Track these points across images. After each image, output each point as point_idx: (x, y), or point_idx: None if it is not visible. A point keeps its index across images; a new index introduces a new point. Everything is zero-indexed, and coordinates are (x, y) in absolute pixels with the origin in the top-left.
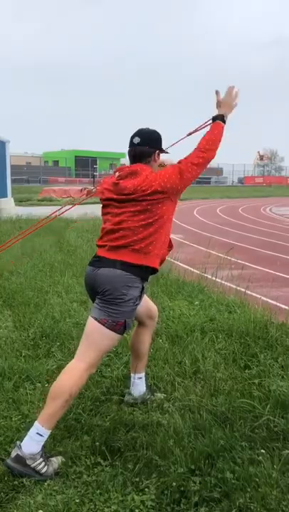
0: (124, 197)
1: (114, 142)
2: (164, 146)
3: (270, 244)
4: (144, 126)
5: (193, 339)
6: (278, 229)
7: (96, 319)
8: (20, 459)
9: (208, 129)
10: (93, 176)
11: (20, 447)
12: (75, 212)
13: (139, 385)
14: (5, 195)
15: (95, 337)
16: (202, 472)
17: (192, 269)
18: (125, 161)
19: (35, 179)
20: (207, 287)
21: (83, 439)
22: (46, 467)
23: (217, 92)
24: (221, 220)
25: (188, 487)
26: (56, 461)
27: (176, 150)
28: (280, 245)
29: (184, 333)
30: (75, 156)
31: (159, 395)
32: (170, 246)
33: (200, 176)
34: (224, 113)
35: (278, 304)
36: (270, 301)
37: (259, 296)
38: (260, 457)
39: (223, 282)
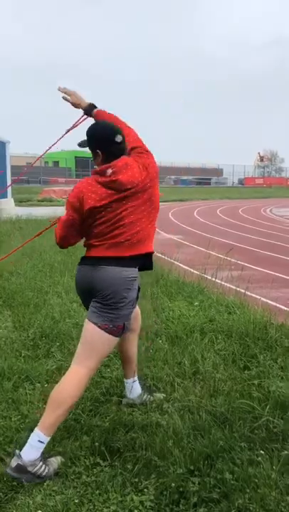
0: (125, 193)
1: None
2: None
3: (269, 245)
4: (106, 123)
5: (193, 340)
6: (278, 230)
7: (96, 324)
8: (21, 468)
9: (87, 122)
10: None
11: (20, 456)
12: None
13: (136, 388)
14: (5, 196)
15: (97, 343)
16: (201, 473)
17: (192, 270)
18: None
19: (35, 179)
20: (207, 288)
21: (83, 439)
22: (46, 469)
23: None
24: (221, 220)
25: (187, 488)
26: (55, 461)
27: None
28: (280, 246)
29: (183, 334)
30: (75, 157)
31: (159, 395)
32: None
33: (200, 177)
34: (89, 102)
35: (278, 305)
36: (269, 302)
37: (259, 297)
38: (260, 458)
39: (222, 283)
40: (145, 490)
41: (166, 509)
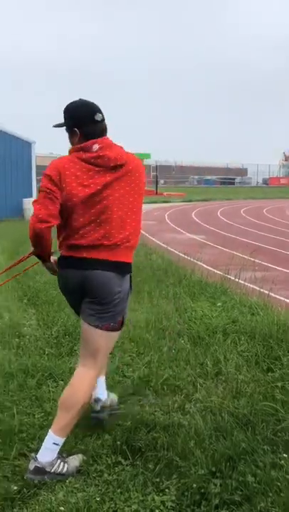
0: (114, 173)
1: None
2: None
3: None
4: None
5: (216, 341)
6: None
7: (98, 327)
8: (39, 470)
9: None
10: None
11: (36, 459)
12: None
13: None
14: (30, 196)
15: (102, 344)
16: (223, 475)
17: (215, 271)
18: (151, 161)
19: None
20: (230, 289)
21: (104, 437)
22: (66, 466)
23: None
24: (245, 221)
25: (208, 489)
26: (77, 458)
27: None
28: None
29: (205, 335)
30: None
31: (112, 395)
32: None
33: (224, 177)
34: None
35: None
36: None
37: (283, 299)
38: (283, 461)
39: (246, 284)
40: (166, 490)
41: (188, 510)
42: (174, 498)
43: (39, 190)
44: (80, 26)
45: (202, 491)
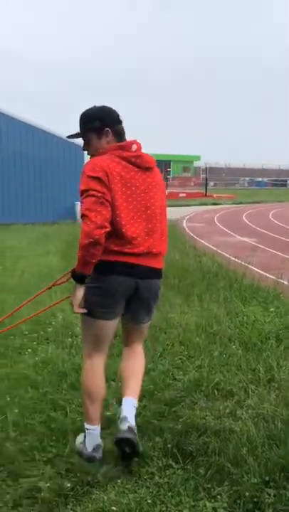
0: (149, 175)
1: (188, 144)
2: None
3: None
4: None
5: (268, 346)
6: None
7: (148, 321)
8: (132, 430)
9: None
10: (166, 179)
11: (127, 419)
12: None
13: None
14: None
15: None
16: (277, 484)
17: (267, 275)
18: (200, 163)
19: None
20: (283, 294)
21: (155, 440)
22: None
23: None
24: None
25: (262, 498)
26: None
27: None
28: None
29: (257, 340)
30: None
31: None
32: None
33: (276, 178)
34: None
35: None
36: None
37: None
38: None
39: None
40: (218, 496)
41: None
42: (225, 505)
43: (84, 194)
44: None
45: (255, 500)
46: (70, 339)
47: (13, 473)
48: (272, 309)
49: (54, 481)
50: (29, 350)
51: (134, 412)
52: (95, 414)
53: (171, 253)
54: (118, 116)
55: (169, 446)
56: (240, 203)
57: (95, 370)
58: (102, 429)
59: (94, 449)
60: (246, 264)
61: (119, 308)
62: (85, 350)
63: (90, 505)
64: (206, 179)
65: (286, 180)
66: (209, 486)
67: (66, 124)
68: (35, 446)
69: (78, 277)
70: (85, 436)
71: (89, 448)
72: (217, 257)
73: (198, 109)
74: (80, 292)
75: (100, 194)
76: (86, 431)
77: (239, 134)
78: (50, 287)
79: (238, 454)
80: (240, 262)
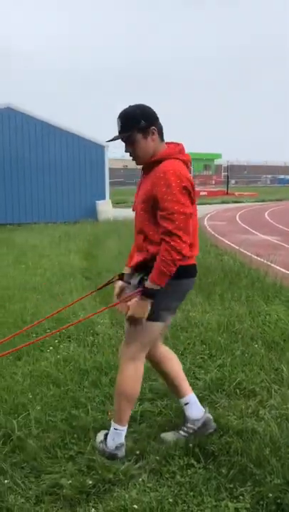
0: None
1: (210, 142)
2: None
3: None
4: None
5: None
6: None
7: None
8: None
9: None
10: None
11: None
12: None
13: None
14: (103, 198)
15: None
16: None
17: None
18: (222, 161)
19: (131, 181)
20: None
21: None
22: None
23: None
24: None
25: (285, 500)
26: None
27: None
28: None
29: (280, 340)
30: None
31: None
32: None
33: None
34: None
35: None
36: None
37: None
38: None
39: None
40: (241, 497)
41: None
42: (248, 506)
43: (172, 209)
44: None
45: (278, 501)
46: (91, 337)
47: (36, 469)
48: None
49: (76, 478)
50: (51, 348)
51: None
52: (127, 416)
53: None
54: (156, 113)
55: (191, 445)
56: (263, 201)
57: (138, 374)
58: None
59: (117, 447)
60: (269, 263)
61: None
62: (132, 353)
63: (111, 503)
64: (228, 177)
65: None
66: (231, 486)
67: (87, 125)
68: (57, 444)
69: (154, 291)
70: (106, 434)
71: (112, 446)
72: (239, 256)
73: (220, 107)
74: (149, 305)
75: (188, 212)
76: (114, 431)
77: (261, 131)
78: (96, 290)
79: (261, 454)
80: (262, 260)
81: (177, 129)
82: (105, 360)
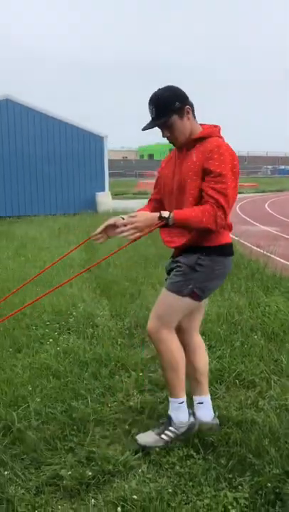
0: None
1: None
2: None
3: None
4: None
5: None
6: None
7: None
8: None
9: None
10: None
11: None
12: None
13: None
14: (103, 189)
15: None
16: None
17: None
18: None
19: (131, 173)
20: None
21: None
22: None
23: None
24: None
25: (284, 489)
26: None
27: None
28: None
29: (280, 331)
30: (170, 150)
31: None
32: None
33: None
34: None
35: None
36: None
37: None
38: None
39: None
40: (239, 487)
41: (262, 509)
42: (247, 495)
43: (228, 179)
44: (158, 25)
45: (277, 490)
46: (90, 329)
47: (36, 461)
48: None
49: (75, 469)
50: (51, 340)
51: None
52: (180, 386)
53: None
54: (184, 91)
55: (190, 436)
56: (263, 192)
57: (175, 343)
58: (124, 421)
59: (182, 422)
60: (268, 254)
61: None
62: (164, 325)
63: (111, 494)
64: None
65: None
66: (230, 476)
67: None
68: (57, 435)
69: (166, 219)
70: (170, 417)
71: (184, 419)
72: (239, 247)
73: (218, 97)
74: (155, 224)
75: (236, 191)
76: (175, 406)
77: (261, 121)
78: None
79: (260, 445)
80: (262, 251)
81: None
82: (105, 352)
